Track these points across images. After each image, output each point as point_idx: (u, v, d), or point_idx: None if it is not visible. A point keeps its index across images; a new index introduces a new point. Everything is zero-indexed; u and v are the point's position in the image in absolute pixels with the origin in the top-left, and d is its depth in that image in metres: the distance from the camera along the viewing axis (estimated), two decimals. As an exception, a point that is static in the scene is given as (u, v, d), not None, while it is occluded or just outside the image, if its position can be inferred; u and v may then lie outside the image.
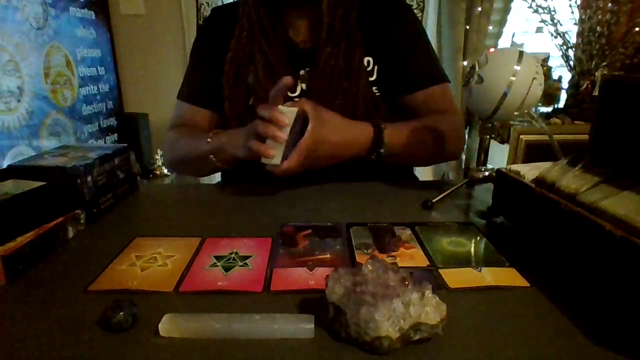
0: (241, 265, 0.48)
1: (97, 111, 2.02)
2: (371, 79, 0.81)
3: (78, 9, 1.87)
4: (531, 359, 0.34)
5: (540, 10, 1.84)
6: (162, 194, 0.78)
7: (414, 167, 0.94)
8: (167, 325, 0.36)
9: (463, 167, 2.24)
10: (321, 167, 0.69)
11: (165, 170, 2.18)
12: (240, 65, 0.80)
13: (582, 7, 1.84)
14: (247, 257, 0.49)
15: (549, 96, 1.99)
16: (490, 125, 0.73)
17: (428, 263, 0.48)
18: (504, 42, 2.15)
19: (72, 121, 1.83)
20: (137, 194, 0.73)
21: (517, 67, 0.66)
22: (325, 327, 0.36)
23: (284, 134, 0.61)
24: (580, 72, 1.89)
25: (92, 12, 1.98)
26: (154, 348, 0.35)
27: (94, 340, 0.35)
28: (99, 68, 2.03)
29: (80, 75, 1.89)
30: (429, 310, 0.34)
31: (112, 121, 2.15)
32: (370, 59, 0.81)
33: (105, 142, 2.06)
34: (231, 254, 0.50)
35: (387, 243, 0.52)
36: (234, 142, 0.70)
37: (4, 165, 0.59)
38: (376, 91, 0.81)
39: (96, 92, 2.01)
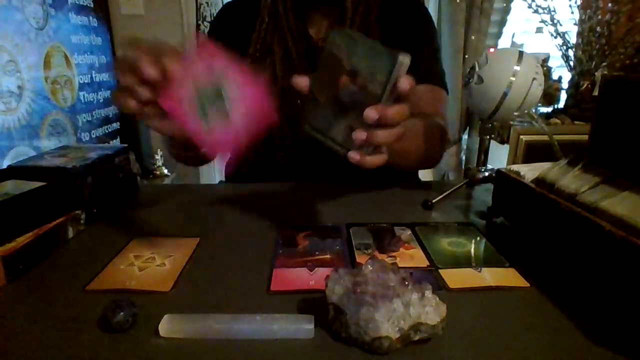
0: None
1: (98, 112, 2.02)
2: None
3: (78, 10, 1.87)
4: (531, 359, 0.34)
5: (540, 10, 1.84)
6: (162, 194, 0.78)
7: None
8: (167, 325, 0.36)
9: (463, 167, 2.24)
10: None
11: (165, 171, 2.17)
12: (255, 62, 0.79)
13: (582, 7, 1.84)
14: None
15: (549, 96, 1.99)
16: (490, 125, 0.73)
17: (428, 263, 0.48)
18: (504, 42, 2.15)
19: (72, 121, 1.83)
20: (137, 194, 0.73)
21: (517, 68, 0.66)
22: (325, 327, 0.36)
23: None
24: (580, 72, 1.89)
25: (92, 13, 1.98)
26: (154, 348, 0.35)
27: (94, 340, 0.35)
28: (98, 68, 2.03)
29: (80, 75, 1.89)
30: (429, 310, 0.34)
31: (112, 121, 2.15)
32: None
33: (105, 142, 2.06)
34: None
35: (387, 243, 0.52)
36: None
37: (4, 166, 0.59)
38: None
39: (96, 92, 2.01)
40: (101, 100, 2.04)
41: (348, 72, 0.42)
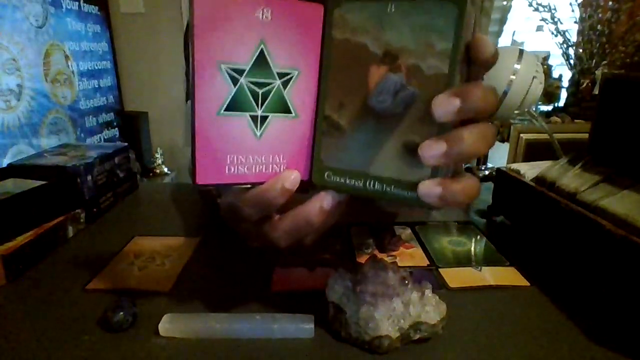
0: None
1: (97, 110, 2.02)
2: None
3: (78, 8, 1.86)
4: (531, 359, 0.34)
5: (541, 8, 1.84)
6: (162, 193, 0.78)
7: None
8: (167, 325, 0.36)
9: (464, 165, 2.24)
10: None
11: (165, 169, 2.17)
12: None
13: (583, 6, 1.84)
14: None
15: (549, 95, 1.99)
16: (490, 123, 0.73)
17: (428, 262, 0.48)
18: (504, 41, 2.15)
19: (72, 120, 1.82)
20: (137, 193, 0.73)
21: (517, 66, 0.65)
22: (325, 327, 0.36)
23: None
24: (580, 70, 1.89)
25: (92, 11, 1.97)
26: (154, 348, 0.35)
27: (94, 340, 0.35)
28: (98, 67, 2.03)
29: (80, 73, 1.89)
30: (429, 309, 0.34)
31: (112, 120, 2.15)
32: None
33: (105, 141, 2.06)
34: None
35: (387, 243, 0.52)
36: None
37: (4, 164, 0.59)
38: None
39: (96, 90, 2.01)
40: (100, 99, 2.04)
41: (382, 57, 0.27)
